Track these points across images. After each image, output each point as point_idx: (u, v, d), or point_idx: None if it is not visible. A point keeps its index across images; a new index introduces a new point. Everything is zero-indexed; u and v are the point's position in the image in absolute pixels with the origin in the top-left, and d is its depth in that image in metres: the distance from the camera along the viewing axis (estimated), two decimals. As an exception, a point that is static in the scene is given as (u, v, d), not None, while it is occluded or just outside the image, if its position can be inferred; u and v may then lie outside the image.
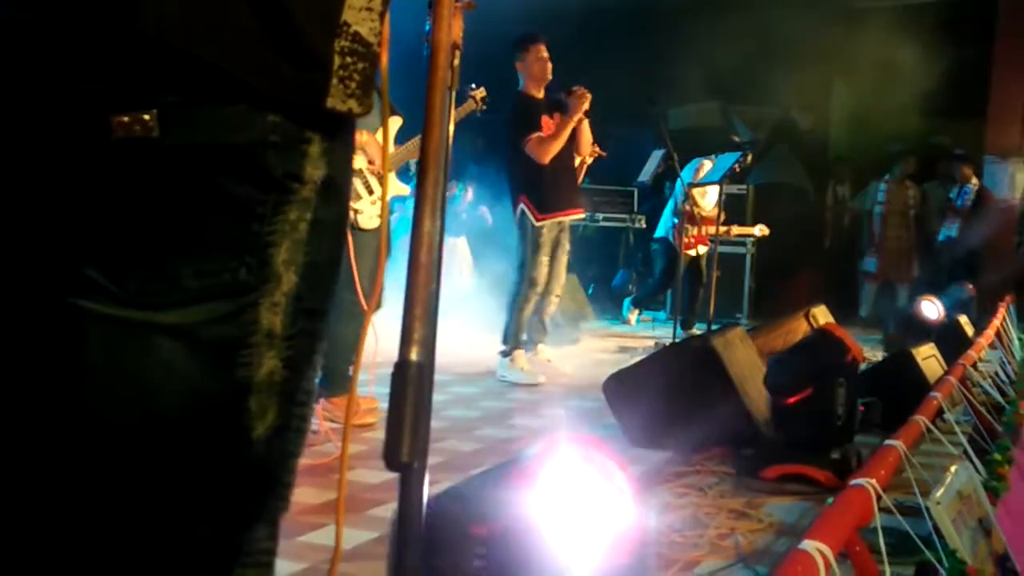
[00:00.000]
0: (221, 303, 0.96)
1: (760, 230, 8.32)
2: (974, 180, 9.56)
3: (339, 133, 1.03)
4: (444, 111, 0.79)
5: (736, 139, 8.15)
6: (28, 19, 0.91)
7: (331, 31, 0.98)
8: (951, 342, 5.43)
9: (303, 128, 0.98)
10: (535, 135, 5.62)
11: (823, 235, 10.80)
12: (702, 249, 8.00)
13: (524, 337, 5.78)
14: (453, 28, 0.81)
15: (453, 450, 3.84)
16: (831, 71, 10.68)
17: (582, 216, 6.16)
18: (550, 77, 5.78)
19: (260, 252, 0.97)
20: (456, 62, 0.86)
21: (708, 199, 7.84)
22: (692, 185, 7.58)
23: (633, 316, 8.21)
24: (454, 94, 0.82)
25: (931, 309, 6.71)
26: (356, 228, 4.07)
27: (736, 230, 8.16)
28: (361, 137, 4.08)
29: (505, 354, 5.74)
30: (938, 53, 9.01)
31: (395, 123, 4.23)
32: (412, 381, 0.66)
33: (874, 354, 6.35)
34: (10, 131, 0.95)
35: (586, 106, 5.64)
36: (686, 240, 7.73)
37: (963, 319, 6.33)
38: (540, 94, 5.79)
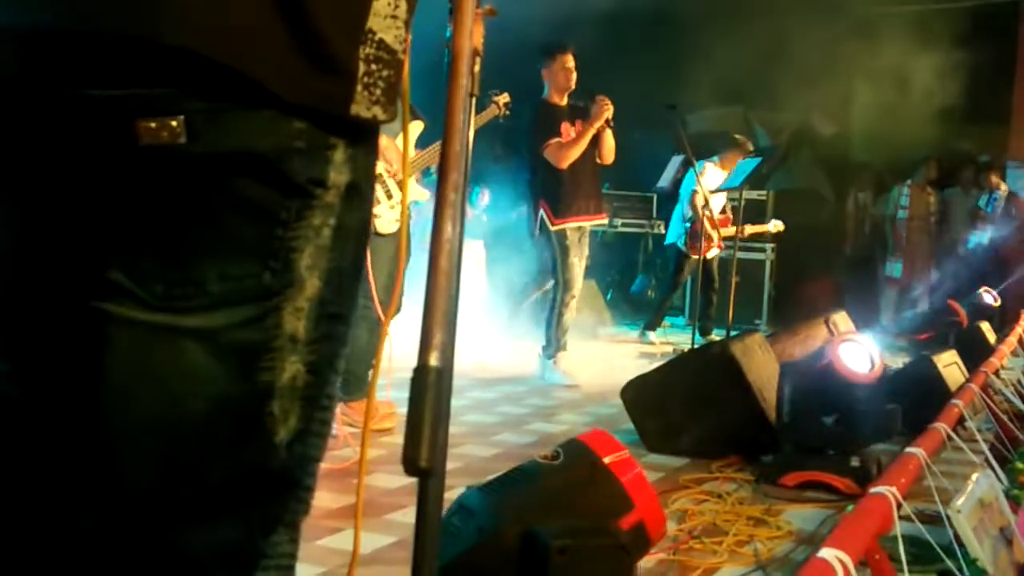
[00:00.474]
0: (245, 307, 0.97)
1: (775, 225, 8.23)
2: (1003, 187, 9.51)
3: (363, 139, 1.03)
4: (464, 117, 0.79)
5: (736, 138, 7.96)
6: (55, 25, 0.92)
7: (356, 38, 0.99)
8: (973, 349, 5.39)
9: (328, 134, 0.98)
10: (554, 140, 5.66)
11: (843, 241, 10.74)
12: (712, 253, 7.96)
13: (566, 339, 5.84)
14: (474, 34, 0.81)
15: (471, 455, 3.84)
16: (852, 77, 10.63)
17: (604, 221, 6.15)
18: (574, 86, 5.81)
19: (284, 257, 0.98)
20: (477, 68, 0.86)
21: (712, 204, 7.83)
22: (713, 190, 7.57)
23: (653, 336, 8.17)
24: (475, 100, 0.82)
25: (988, 297, 7.17)
26: (374, 233, 4.07)
27: (750, 229, 8.07)
28: (381, 142, 4.08)
29: (549, 356, 5.83)
30: (960, 59, 8.96)
31: (416, 128, 4.24)
32: (431, 386, 0.66)
33: (894, 360, 6.31)
34: (37, 136, 0.96)
35: (608, 114, 5.67)
36: (699, 245, 7.74)
37: (985, 326, 6.29)
38: (563, 102, 5.83)
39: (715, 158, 7.94)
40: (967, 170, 9.94)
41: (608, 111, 5.66)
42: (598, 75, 6.17)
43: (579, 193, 5.76)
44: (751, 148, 7.67)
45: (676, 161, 7.64)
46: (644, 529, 2.02)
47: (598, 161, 5.92)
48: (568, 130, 5.75)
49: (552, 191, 5.71)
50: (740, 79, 9.57)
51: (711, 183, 7.67)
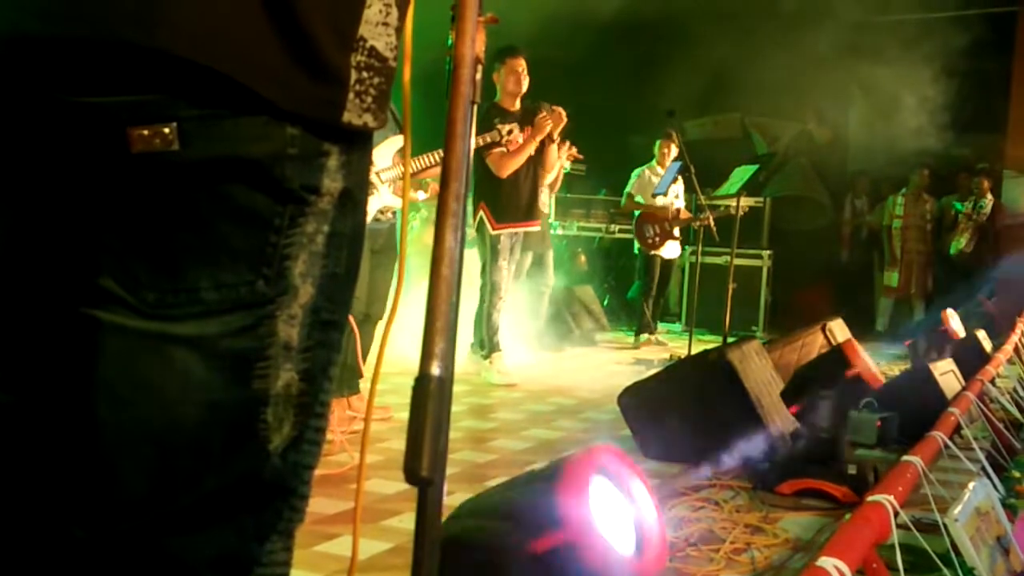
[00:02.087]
0: (238, 315, 0.96)
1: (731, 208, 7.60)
2: (988, 195, 9.55)
3: (357, 145, 1.03)
4: (466, 125, 0.79)
5: (667, 131, 8.04)
6: (48, 33, 0.92)
7: (348, 46, 0.98)
8: (969, 357, 5.39)
9: (321, 141, 0.98)
10: (497, 149, 5.74)
11: (840, 248, 10.76)
12: (673, 252, 8.06)
13: (498, 340, 5.97)
14: (476, 42, 0.81)
15: (467, 461, 3.83)
16: (850, 84, 10.66)
17: (537, 228, 6.31)
18: (523, 91, 5.91)
19: (277, 264, 0.97)
20: (479, 76, 0.86)
21: (662, 201, 7.93)
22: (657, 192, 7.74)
23: (648, 339, 8.18)
24: (475, 108, 0.82)
25: (955, 322, 6.61)
26: None
27: (684, 215, 8.08)
28: None
29: (484, 357, 5.98)
30: (957, 67, 8.98)
31: (396, 141, 4.27)
32: (433, 396, 0.66)
33: (891, 368, 6.32)
34: (28, 143, 0.95)
35: (551, 129, 5.77)
36: (649, 240, 7.91)
37: (981, 334, 6.29)
38: (514, 107, 5.92)
39: (652, 161, 8.09)
40: (964, 177, 9.97)
41: (550, 127, 5.75)
42: (596, 82, 6.18)
43: (518, 200, 5.92)
44: (673, 136, 7.76)
45: (674, 167, 7.66)
46: (571, 548, 1.90)
47: (541, 170, 6.09)
48: (516, 135, 5.84)
49: (493, 195, 5.87)
50: (738, 86, 9.59)
51: (654, 182, 7.88)
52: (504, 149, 5.76)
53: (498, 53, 5.91)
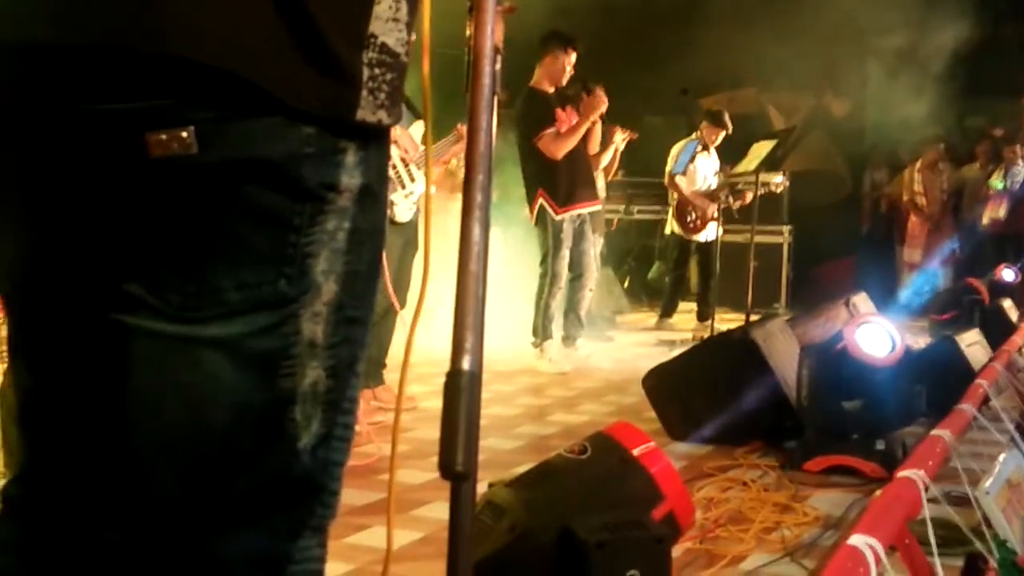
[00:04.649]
0: (263, 315, 0.97)
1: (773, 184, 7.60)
2: (1020, 162, 9.44)
3: (373, 141, 1.03)
4: (488, 117, 0.78)
5: (710, 111, 7.82)
6: (62, 40, 0.92)
7: (359, 43, 0.98)
8: (995, 328, 5.35)
9: (337, 138, 0.98)
10: (548, 131, 5.67)
11: (860, 222, 10.69)
12: (709, 235, 7.82)
13: (552, 328, 5.92)
14: (495, 32, 0.80)
15: (494, 448, 3.84)
16: (866, 55, 10.57)
17: (599, 207, 6.20)
18: (564, 83, 5.85)
19: (299, 263, 0.98)
20: (498, 67, 0.85)
21: (701, 184, 7.78)
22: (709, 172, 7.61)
23: (671, 321, 8.15)
24: (496, 99, 0.82)
25: (1009, 274, 6.75)
26: (391, 222, 4.09)
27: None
28: (394, 132, 4.12)
29: (536, 345, 5.92)
30: (976, 34, 8.89)
31: (418, 128, 4.27)
32: (465, 390, 0.66)
33: (916, 341, 6.27)
34: (48, 151, 0.96)
35: (602, 110, 5.75)
36: (690, 224, 7.74)
37: (1007, 303, 6.24)
38: (552, 89, 5.84)
39: (695, 142, 7.88)
40: (985, 146, 9.86)
41: (603, 107, 5.73)
42: (612, 60, 6.15)
43: (577, 180, 5.82)
44: (725, 120, 7.62)
45: (691, 147, 7.62)
46: (675, 520, 2.02)
47: (588, 148, 6.05)
48: (561, 116, 5.78)
49: (551, 180, 5.73)
50: (755, 61, 9.52)
51: (700, 165, 7.72)
52: (554, 130, 5.67)
53: (552, 37, 5.79)
